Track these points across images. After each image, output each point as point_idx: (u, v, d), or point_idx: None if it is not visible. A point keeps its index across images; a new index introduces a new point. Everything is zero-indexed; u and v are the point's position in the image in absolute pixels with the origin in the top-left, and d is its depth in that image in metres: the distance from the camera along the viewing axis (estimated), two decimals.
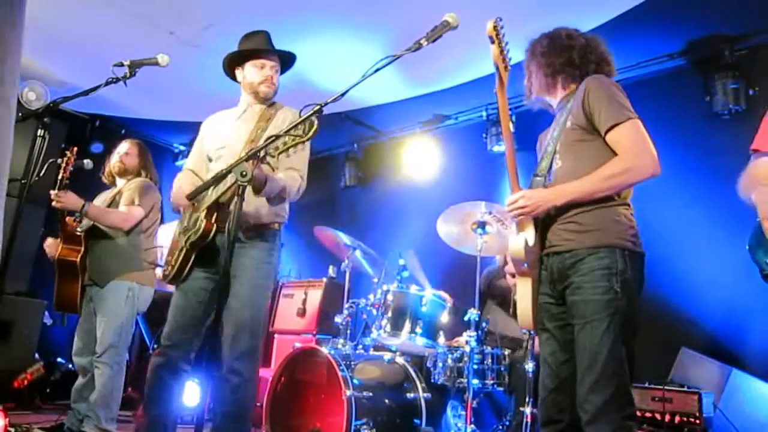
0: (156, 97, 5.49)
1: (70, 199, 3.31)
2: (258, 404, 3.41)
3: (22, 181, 2.32)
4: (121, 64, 2.44)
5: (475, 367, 3.14)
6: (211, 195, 2.39)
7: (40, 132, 2.30)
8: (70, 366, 5.01)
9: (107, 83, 2.41)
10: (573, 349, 1.87)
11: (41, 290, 5.26)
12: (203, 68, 4.68)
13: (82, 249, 3.43)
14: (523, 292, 2.00)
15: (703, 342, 3.64)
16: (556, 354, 1.94)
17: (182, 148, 7.11)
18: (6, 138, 1.23)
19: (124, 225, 3.46)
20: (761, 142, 2.12)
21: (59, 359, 5.26)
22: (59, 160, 3.38)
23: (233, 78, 2.79)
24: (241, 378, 2.42)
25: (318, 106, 1.92)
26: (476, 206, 3.37)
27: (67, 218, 3.45)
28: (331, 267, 5.00)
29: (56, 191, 3.29)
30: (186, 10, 4.14)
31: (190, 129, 6.44)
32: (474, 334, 3.15)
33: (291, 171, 2.55)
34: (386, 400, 3.30)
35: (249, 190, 2.21)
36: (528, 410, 2.85)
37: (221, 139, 2.69)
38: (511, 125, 2.02)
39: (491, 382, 3.21)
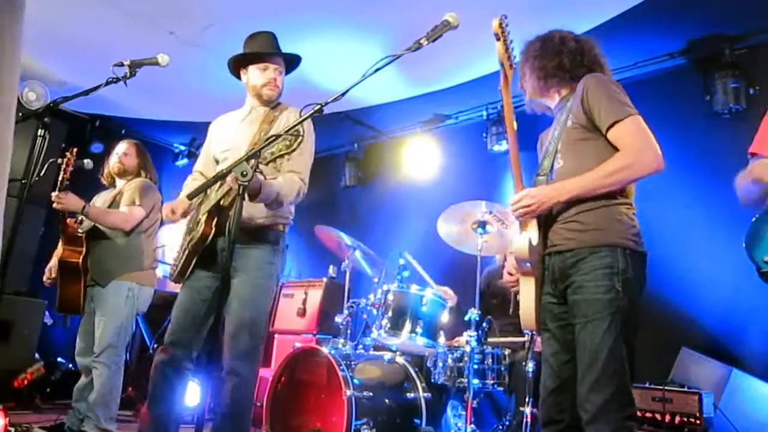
0: (156, 97, 5.49)
1: (70, 201, 3.31)
2: (258, 404, 3.42)
3: (22, 181, 2.32)
4: (121, 64, 2.44)
5: (476, 366, 3.14)
6: (213, 197, 2.40)
7: (40, 132, 2.29)
8: (70, 366, 5.02)
9: (107, 83, 2.41)
10: (574, 349, 1.86)
11: (41, 290, 5.23)
12: (203, 68, 4.69)
13: (84, 250, 3.43)
14: (526, 292, 1.99)
15: (703, 342, 3.64)
16: (557, 354, 1.94)
17: (182, 148, 7.10)
18: (5, 136, 1.23)
19: (125, 225, 3.46)
20: (760, 145, 2.11)
21: (59, 359, 5.26)
22: (59, 161, 3.37)
23: (240, 78, 2.80)
24: (240, 378, 2.42)
25: (318, 106, 1.92)
26: (476, 206, 3.37)
27: (68, 220, 3.45)
28: (331, 267, 5.01)
29: (57, 193, 3.29)
30: (186, 10, 4.14)
31: (190, 129, 6.45)
32: (474, 333, 3.15)
33: (291, 174, 2.55)
34: (386, 400, 3.30)
35: None
36: (528, 410, 2.85)
37: (226, 141, 2.71)
38: (515, 124, 2.01)
39: (491, 381, 3.20)
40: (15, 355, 4.78)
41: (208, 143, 2.83)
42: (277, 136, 1.96)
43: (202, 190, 2.28)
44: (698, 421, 3.01)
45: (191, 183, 2.76)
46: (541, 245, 2.00)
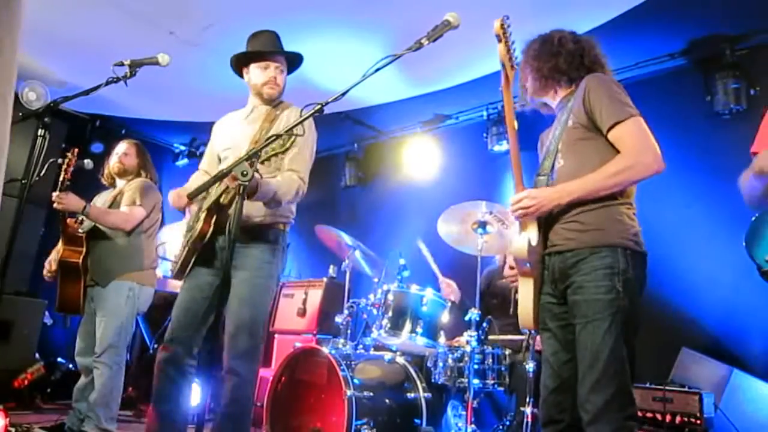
0: (156, 97, 5.49)
1: (71, 201, 3.31)
2: (258, 404, 3.41)
3: (23, 181, 2.31)
4: (122, 64, 2.44)
5: (476, 366, 3.14)
6: (212, 195, 2.40)
7: (40, 132, 2.29)
8: (71, 366, 5.02)
9: (107, 83, 2.41)
10: (575, 349, 1.86)
11: (41, 290, 5.26)
12: (203, 68, 4.69)
13: (84, 250, 3.43)
14: (525, 292, 2.00)
15: (703, 342, 3.64)
16: (558, 354, 1.94)
17: (182, 148, 7.10)
18: (2, 128, 1.22)
19: (126, 225, 3.46)
20: (761, 144, 2.11)
21: (59, 359, 5.26)
22: (60, 161, 3.37)
23: (243, 77, 2.80)
24: (240, 378, 2.41)
25: (318, 106, 1.92)
26: (477, 206, 3.37)
27: (69, 220, 3.45)
28: (331, 267, 5.01)
29: (57, 193, 3.29)
30: (186, 10, 4.14)
31: (190, 129, 6.45)
32: (474, 333, 3.14)
33: (290, 173, 2.55)
34: (387, 400, 3.30)
35: None
36: (528, 410, 2.85)
37: (228, 140, 2.72)
38: (515, 124, 2.01)
39: (492, 381, 3.20)
40: (15, 355, 4.78)
41: (212, 142, 2.85)
42: (278, 136, 1.96)
43: (203, 189, 2.28)
44: (699, 421, 3.01)
45: (194, 180, 2.77)
46: (541, 245, 2.00)
